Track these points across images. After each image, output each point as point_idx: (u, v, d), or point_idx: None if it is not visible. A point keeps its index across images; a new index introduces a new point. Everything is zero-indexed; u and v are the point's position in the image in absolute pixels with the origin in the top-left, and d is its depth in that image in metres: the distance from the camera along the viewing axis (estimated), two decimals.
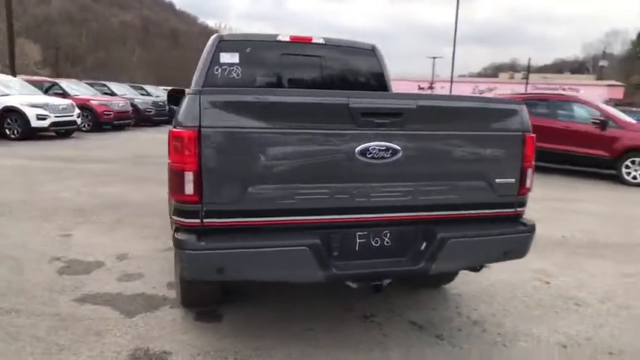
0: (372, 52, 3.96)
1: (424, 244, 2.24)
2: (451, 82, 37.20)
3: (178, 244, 2.00)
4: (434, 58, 51.42)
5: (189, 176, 1.97)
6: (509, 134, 2.33)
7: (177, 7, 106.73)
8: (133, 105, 16.37)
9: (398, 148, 2.12)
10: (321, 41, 3.81)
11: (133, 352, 2.45)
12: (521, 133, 2.34)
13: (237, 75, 3.63)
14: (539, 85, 51.48)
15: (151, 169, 8.29)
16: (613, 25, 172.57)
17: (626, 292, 3.46)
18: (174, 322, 2.82)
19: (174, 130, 2.02)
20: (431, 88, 60.09)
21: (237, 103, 1.99)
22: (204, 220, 2.01)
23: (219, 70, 3.61)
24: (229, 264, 1.99)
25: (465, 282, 3.43)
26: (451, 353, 2.56)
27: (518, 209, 2.43)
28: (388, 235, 2.26)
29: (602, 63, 60.56)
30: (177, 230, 2.05)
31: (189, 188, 1.97)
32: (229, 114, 1.97)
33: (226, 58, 3.61)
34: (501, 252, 2.35)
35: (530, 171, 2.39)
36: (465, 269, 2.65)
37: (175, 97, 4.97)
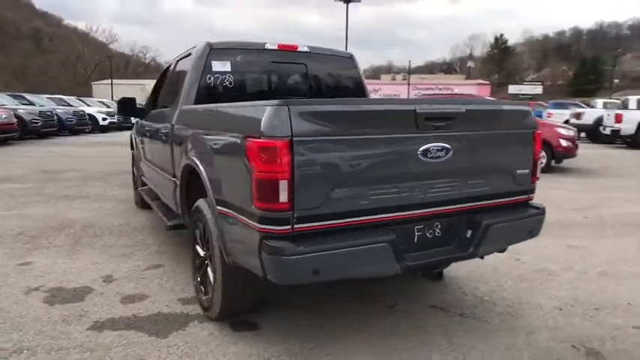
0: (350, 59, 4.18)
1: (470, 232, 2.53)
2: None
3: (274, 252, 2.02)
4: None
5: (283, 185, 2.01)
6: (525, 132, 2.72)
7: (38, 7, 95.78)
8: (17, 116, 14.57)
9: (449, 147, 2.38)
10: (306, 49, 3.93)
11: None
12: (532, 130, 2.75)
13: (230, 83, 3.61)
14: (419, 86, 56.04)
15: (69, 185, 7.62)
16: (475, 30, 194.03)
17: (582, 260, 4.13)
18: (214, 336, 2.76)
19: (260, 140, 2.04)
20: None
21: (320, 113, 2.08)
22: (295, 227, 2.07)
23: (212, 78, 3.55)
24: (324, 265, 2.08)
25: (453, 267, 3.81)
26: (480, 327, 2.89)
27: (530, 195, 2.83)
28: (439, 226, 2.51)
29: (469, 64, 67.66)
30: (266, 238, 2.07)
31: (283, 197, 2.01)
32: (314, 123, 2.06)
33: (218, 66, 3.57)
34: (527, 232, 2.74)
35: (537, 162, 2.81)
36: (498, 251, 2.95)
37: (127, 106, 4.77)
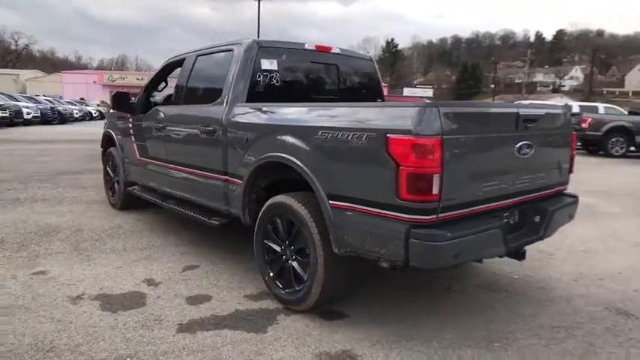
0: (370, 61, 4.43)
1: (538, 217, 2.96)
2: None
3: (428, 239, 2.23)
4: None
5: (436, 178, 2.22)
6: (568, 130, 3.23)
7: None
8: None
9: (532, 145, 2.78)
10: (338, 51, 4.11)
11: (334, 356, 2.50)
12: (572, 130, 3.27)
13: (277, 81, 3.66)
14: None
15: (10, 188, 6.83)
16: (368, 33, 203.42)
17: (572, 238, 4.85)
18: (311, 326, 2.85)
19: (412, 138, 2.22)
20: None
21: (459, 114, 2.34)
22: (439, 215, 2.30)
23: (261, 76, 3.58)
24: (462, 249, 2.33)
25: None
26: (525, 300, 3.34)
27: (566, 186, 3.36)
28: (516, 213, 2.89)
29: None
30: (415, 227, 2.27)
31: (435, 189, 2.23)
32: (455, 123, 2.31)
33: (267, 64, 3.59)
34: (569, 216, 3.25)
35: (574, 158, 3.34)
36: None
37: (122, 100, 4.57)
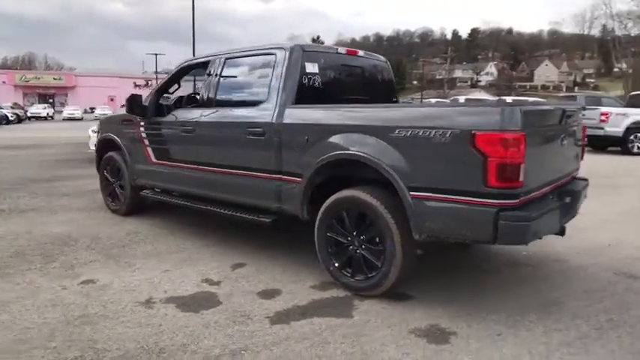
0: (386, 63, 4.74)
1: (569, 198, 3.43)
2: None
3: (518, 220, 2.59)
4: (156, 55, 50.10)
5: (522, 167, 2.59)
6: (582, 123, 3.75)
7: None
8: None
9: (567, 136, 3.25)
10: (362, 54, 4.38)
11: (427, 331, 2.79)
12: (583, 123, 3.80)
13: (318, 84, 3.84)
14: None
15: None
16: (293, 31, 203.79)
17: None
18: (388, 308, 3.09)
19: (500, 133, 2.56)
20: (147, 85, 58.47)
21: (533, 112, 2.73)
22: (520, 199, 2.67)
23: (306, 79, 3.76)
24: (539, 227, 2.72)
25: None
26: (550, 272, 3.82)
27: (579, 170, 3.89)
28: (554, 195, 3.35)
29: None
30: (503, 210, 2.61)
31: (522, 177, 2.59)
32: (530, 119, 2.69)
33: (310, 67, 3.77)
34: (584, 196, 3.77)
35: (584, 147, 3.87)
36: None
37: (136, 103, 4.59)
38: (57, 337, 2.71)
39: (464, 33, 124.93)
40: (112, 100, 54.99)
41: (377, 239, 3.17)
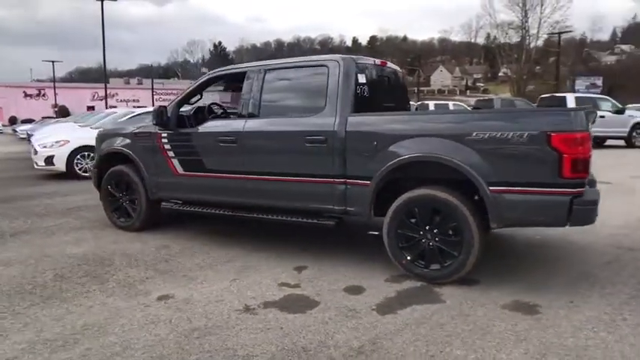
0: (401, 72, 5.15)
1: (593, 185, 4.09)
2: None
3: (590, 204, 3.14)
4: (52, 62, 45.96)
5: (589, 161, 3.14)
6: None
7: None
8: None
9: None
10: (388, 64, 4.75)
11: (516, 306, 3.23)
12: None
13: (366, 93, 4.15)
14: (160, 90, 54.83)
15: None
16: (193, 36, 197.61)
17: None
18: (469, 291, 3.46)
19: (573, 134, 3.09)
20: (41, 95, 53.78)
21: (585, 114, 3.27)
22: (584, 188, 3.23)
23: (359, 89, 4.04)
24: (597, 211, 3.30)
25: None
26: (569, 251, 4.48)
27: None
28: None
29: (204, 69, 69.72)
30: (576, 197, 3.13)
31: (589, 169, 3.15)
32: (586, 121, 3.26)
33: (362, 78, 4.06)
34: None
35: None
36: None
37: (163, 114, 4.63)
38: (189, 350, 2.72)
39: (363, 40, 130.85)
40: None
41: (450, 232, 3.55)
